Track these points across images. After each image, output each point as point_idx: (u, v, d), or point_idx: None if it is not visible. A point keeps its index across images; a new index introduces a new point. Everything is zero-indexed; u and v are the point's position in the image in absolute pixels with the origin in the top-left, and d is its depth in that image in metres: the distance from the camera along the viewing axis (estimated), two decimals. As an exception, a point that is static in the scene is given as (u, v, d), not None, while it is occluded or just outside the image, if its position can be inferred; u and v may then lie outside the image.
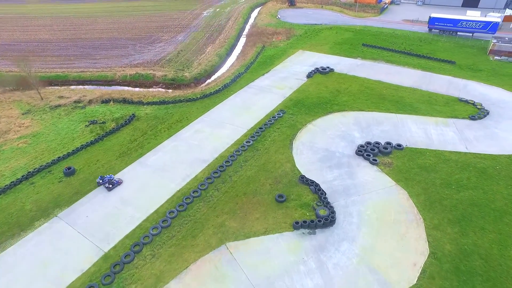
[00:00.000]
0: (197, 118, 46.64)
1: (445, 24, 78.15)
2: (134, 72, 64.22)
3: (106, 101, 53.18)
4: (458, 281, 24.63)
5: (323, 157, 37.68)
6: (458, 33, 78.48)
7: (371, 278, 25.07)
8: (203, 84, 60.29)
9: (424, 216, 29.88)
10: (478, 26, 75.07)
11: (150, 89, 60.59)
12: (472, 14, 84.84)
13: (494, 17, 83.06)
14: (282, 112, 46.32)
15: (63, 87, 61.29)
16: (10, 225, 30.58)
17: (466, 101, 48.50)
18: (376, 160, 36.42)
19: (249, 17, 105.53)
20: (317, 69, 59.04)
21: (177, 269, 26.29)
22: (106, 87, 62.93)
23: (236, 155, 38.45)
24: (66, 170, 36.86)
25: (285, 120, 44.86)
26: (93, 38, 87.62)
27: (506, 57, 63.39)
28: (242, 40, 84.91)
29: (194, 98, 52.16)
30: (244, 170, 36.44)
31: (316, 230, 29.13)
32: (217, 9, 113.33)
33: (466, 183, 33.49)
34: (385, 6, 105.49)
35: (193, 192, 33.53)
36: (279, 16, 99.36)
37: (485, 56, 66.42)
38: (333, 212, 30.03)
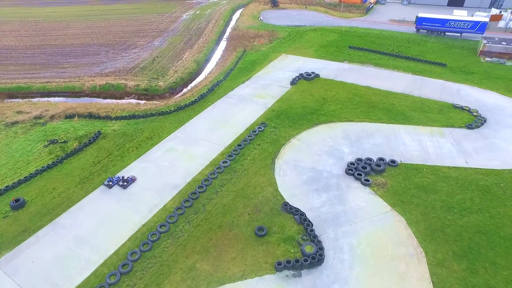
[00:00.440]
0: (169, 135, 41.96)
1: (433, 24, 75.23)
2: (104, 82, 59.04)
3: (70, 116, 48.01)
4: (471, 335, 20.78)
5: (309, 178, 33.52)
6: (447, 33, 75.65)
7: (368, 334, 20.99)
8: (179, 94, 55.58)
9: (426, 249, 25.98)
10: (467, 26, 72.35)
11: (121, 101, 55.57)
12: (459, 14, 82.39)
13: (482, 16, 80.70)
14: (263, 125, 42.04)
15: (24, 100, 55.81)
16: None
17: (461, 108, 45.13)
18: (368, 181, 32.46)
19: (230, 19, 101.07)
20: (301, 74, 55.00)
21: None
22: (74, 98, 57.73)
23: (211, 178, 33.99)
24: (13, 202, 31.71)
25: (266, 134, 40.59)
26: (64, 45, 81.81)
27: (498, 59, 60.56)
28: (223, 44, 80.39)
29: (167, 111, 47.42)
30: (219, 197, 31.99)
31: (302, 271, 24.93)
32: (197, 12, 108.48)
33: (469, 205, 29.78)
34: (370, 6, 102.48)
35: (160, 227, 28.93)
36: (261, 18, 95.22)
37: (475, 57, 63.53)
38: (321, 248, 25.84)
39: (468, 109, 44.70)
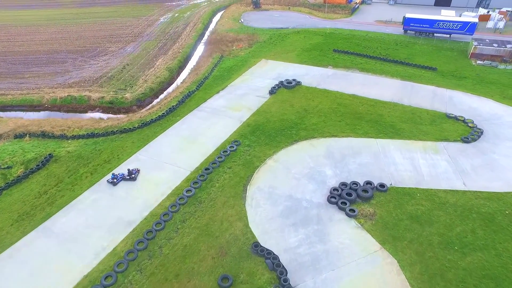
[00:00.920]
0: (130, 157, 36.81)
1: (421, 25, 71.49)
2: (66, 95, 53.51)
3: (20, 136, 42.58)
4: None
5: (286, 209, 28.81)
6: (435, 34, 72.01)
7: None
8: (147, 107, 50.37)
9: (423, 302, 21.56)
10: (456, 27, 68.76)
11: (84, 116, 50.20)
12: (447, 14, 78.93)
13: (470, 16, 77.39)
14: (236, 143, 37.21)
15: (-26, 117, 50.07)
16: None
17: (455, 118, 41.03)
18: (354, 211, 27.91)
19: (210, 22, 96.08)
20: (281, 82, 50.34)
21: None
22: (33, 113, 52.17)
23: (172, 212, 29.01)
24: None
25: (239, 155, 35.77)
26: (28, 52, 75.74)
27: (490, 62, 56.90)
28: (200, 49, 75.34)
29: (130, 128, 42.25)
30: (180, 235, 27.04)
31: (273, 337, 20.22)
32: (176, 14, 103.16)
33: (471, 240, 25.44)
34: (356, 6, 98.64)
35: (106, 278, 23.88)
36: (242, 20, 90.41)
37: (466, 60, 59.84)
38: (297, 305, 21.21)
39: (462, 119, 40.63)
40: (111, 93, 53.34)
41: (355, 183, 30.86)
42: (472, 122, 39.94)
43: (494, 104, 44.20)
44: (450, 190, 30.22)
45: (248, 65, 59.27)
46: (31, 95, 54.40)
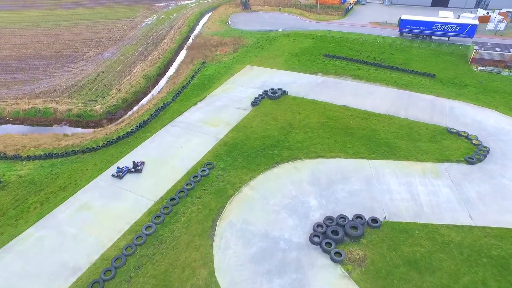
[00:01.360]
0: (89, 182, 32.12)
1: (418, 27, 67.16)
2: (30, 107, 48.75)
3: (-31, 156, 37.79)
4: None
5: (260, 251, 24.24)
6: (433, 37, 67.73)
7: None
8: (118, 121, 45.59)
9: None
10: (455, 29, 64.49)
11: (50, 129, 45.49)
12: (445, 15, 74.81)
13: (469, 18, 73.23)
14: (209, 166, 32.61)
15: None
16: None
17: (457, 133, 36.67)
18: (340, 255, 23.38)
19: (197, 24, 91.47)
20: (265, 92, 45.82)
21: None
22: (-6, 126, 47.44)
23: (126, 255, 24.40)
24: None
25: (211, 180, 31.18)
26: (-2, 57, 70.94)
27: (492, 68, 52.59)
28: (183, 54, 70.55)
29: (94, 148, 37.59)
30: (132, 287, 22.49)
31: None
32: (162, 16, 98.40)
33: (482, 295, 21.05)
34: (349, 7, 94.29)
35: None
36: (229, 23, 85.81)
37: (467, 65, 55.53)
38: None
39: (465, 135, 36.25)
40: (80, 105, 48.58)
41: (343, 217, 26.37)
42: (477, 139, 35.56)
43: (499, 117, 39.85)
44: (454, 225, 25.77)
45: (231, 72, 54.67)
46: (-8, 107, 49.62)
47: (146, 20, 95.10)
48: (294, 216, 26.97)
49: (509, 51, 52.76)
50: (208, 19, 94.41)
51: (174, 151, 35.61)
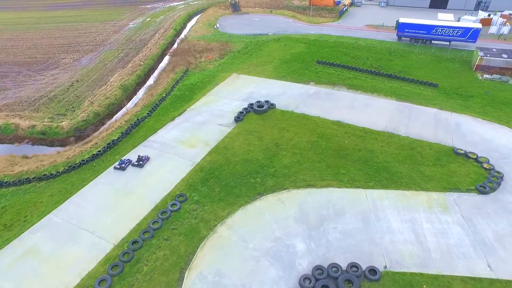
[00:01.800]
0: (41, 219, 27.40)
1: (417, 31, 62.98)
2: (-11, 122, 43.88)
3: None
4: None
5: (234, 317, 19.79)
6: (433, 41, 63.58)
7: None
8: (86, 140, 40.75)
9: None
10: (456, 33, 60.34)
11: (7, 149, 40.66)
12: (445, 18, 70.84)
13: (471, 21, 69.24)
14: (181, 199, 28.05)
15: None
16: None
17: (465, 155, 32.39)
18: (332, 323, 18.98)
19: (184, 27, 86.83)
20: (251, 106, 41.34)
21: None
22: None
23: (67, 323, 19.83)
24: None
25: (183, 217, 26.60)
26: (-34, 64, 65.84)
27: (499, 76, 48.47)
28: (166, 60, 65.86)
29: (53, 174, 32.85)
30: None
31: None
32: (147, 19, 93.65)
33: None
34: (344, 9, 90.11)
35: None
36: (218, 26, 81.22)
37: (471, 73, 51.40)
38: None
39: (475, 157, 31.95)
40: (46, 120, 43.77)
41: (335, 266, 21.92)
42: (488, 162, 31.27)
43: None
44: (470, 277, 21.39)
45: (215, 81, 50.10)
46: None
47: (131, 23, 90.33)
48: (277, 265, 22.45)
49: (517, 58, 48.73)
50: (196, 21, 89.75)
51: (143, 178, 30.97)
